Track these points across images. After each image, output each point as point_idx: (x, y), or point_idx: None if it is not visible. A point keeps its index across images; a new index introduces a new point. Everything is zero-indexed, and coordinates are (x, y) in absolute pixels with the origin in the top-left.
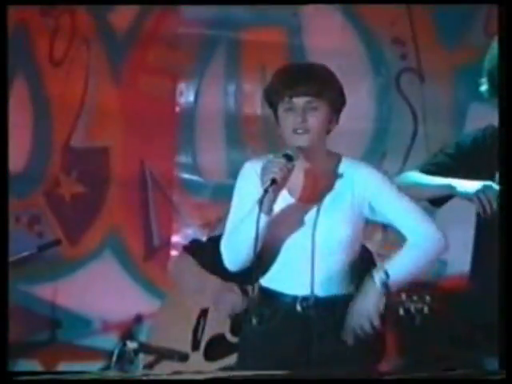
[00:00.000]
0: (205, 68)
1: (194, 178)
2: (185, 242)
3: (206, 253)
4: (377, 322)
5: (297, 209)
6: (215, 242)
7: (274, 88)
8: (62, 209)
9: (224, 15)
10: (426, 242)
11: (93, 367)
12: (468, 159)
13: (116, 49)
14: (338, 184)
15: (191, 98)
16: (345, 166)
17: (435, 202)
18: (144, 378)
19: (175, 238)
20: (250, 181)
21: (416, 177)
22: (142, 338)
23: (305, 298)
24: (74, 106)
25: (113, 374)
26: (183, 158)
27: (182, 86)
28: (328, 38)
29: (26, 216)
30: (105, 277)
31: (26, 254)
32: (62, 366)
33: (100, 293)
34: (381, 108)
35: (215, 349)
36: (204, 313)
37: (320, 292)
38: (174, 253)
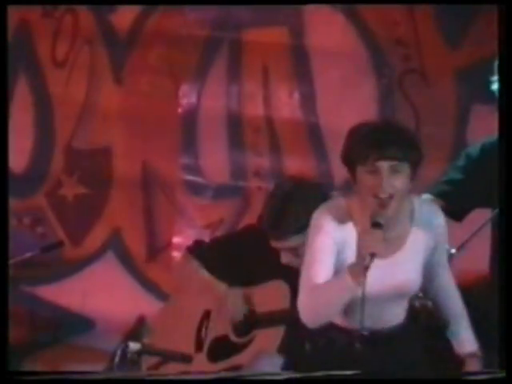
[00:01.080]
0: (207, 69)
1: (197, 179)
2: (187, 243)
3: (209, 254)
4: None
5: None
6: (218, 243)
7: (356, 149)
8: (64, 210)
9: (226, 16)
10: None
11: (95, 368)
12: (478, 169)
13: (118, 49)
14: (416, 231)
15: (193, 99)
16: (420, 210)
17: (456, 216)
18: (146, 378)
19: (177, 240)
20: (326, 234)
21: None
22: (145, 339)
23: (362, 334)
24: (76, 107)
25: (115, 374)
26: (185, 159)
27: (184, 87)
28: (330, 39)
29: (28, 217)
30: (107, 278)
31: (28, 255)
32: (64, 367)
33: (102, 294)
34: (384, 109)
35: (219, 350)
36: (207, 314)
37: (379, 326)
38: (176, 254)
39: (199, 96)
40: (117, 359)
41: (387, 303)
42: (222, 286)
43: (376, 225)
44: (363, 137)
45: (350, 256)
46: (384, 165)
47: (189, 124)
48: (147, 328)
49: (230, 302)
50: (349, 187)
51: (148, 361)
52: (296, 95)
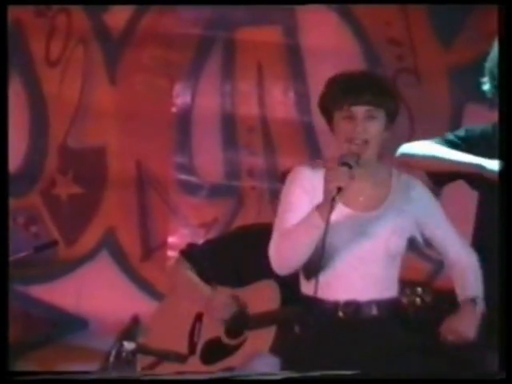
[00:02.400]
0: (201, 68)
1: (191, 178)
2: (181, 242)
3: (201, 256)
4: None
5: (349, 217)
6: (211, 245)
7: (333, 95)
8: (58, 209)
9: (219, 15)
10: (475, 262)
11: (89, 368)
12: (474, 146)
13: (112, 49)
14: (393, 196)
15: (187, 98)
16: (398, 179)
17: (440, 181)
18: (142, 377)
19: (172, 239)
20: (301, 186)
21: (436, 148)
22: (140, 338)
23: (347, 304)
24: (70, 106)
25: (113, 374)
26: (180, 159)
27: (178, 86)
28: (324, 38)
29: (22, 216)
30: (101, 277)
31: (22, 254)
32: (58, 367)
33: (96, 293)
34: None
35: (212, 352)
36: (199, 316)
37: (362, 297)
38: (170, 253)
39: (193, 95)
40: (111, 359)
41: (374, 263)
42: (209, 290)
43: (344, 164)
44: (340, 83)
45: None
46: (359, 110)
47: (183, 123)
48: (142, 328)
49: (218, 303)
50: None
51: (143, 361)
52: (290, 94)
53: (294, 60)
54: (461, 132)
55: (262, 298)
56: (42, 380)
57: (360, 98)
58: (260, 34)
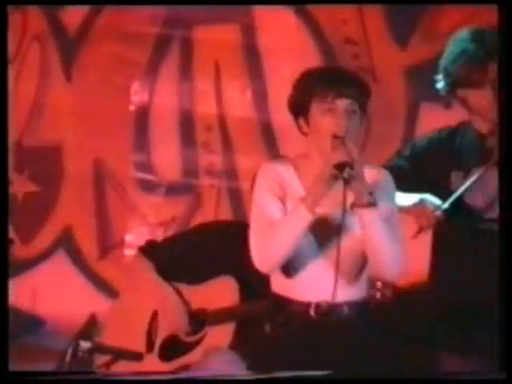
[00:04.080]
0: (158, 66)
1: (149, 176)
2: (139, 241)
3: (160, 254)
4: None
5: (323, 216)
6: (170, 242)
7: (312, 87)
8: (14, 208)
9: (177, 13)
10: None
11: (45, 368)
12: (422, 161)
13: (68, 46)
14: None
15: (145, 97)
16: (369, 175)
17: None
18: (143, 378)
19: (129, 237)
20: (273, 182)
21: None
22: (96, 337)
23: (319, 304)
24: (27, 104)
25: (116, 372)
26: (138, 157)
27: (135, 84)
28: (281, 38)
29: None
30: (58, 276)
31: None
32: (13, 367)
33: (53, 292)
34: None
35: (170, 349)
36: (155, 315)
37: (334, 298)
38: (128, 252)
39: (151, 93)
40: (68, 358)
41: (346, 264)
42: (169, 288)
43: (336, 136)
44: (322, 75)
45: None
46: (342, 103)
47: (140, 121)
48: (98, 326)
49: (176, 302)
50: None
51: (99, 359)
52: (248, 93)
53: (251, 59)
54: (406, 152)
55: (221, 294)
56: (41, 380)
57: (344, 91)
58: (218, 33)
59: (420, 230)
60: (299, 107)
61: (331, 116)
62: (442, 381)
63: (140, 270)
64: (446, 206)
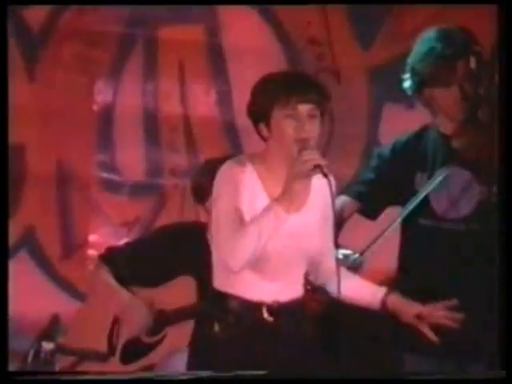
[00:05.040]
0: (122, 66)
1: (113, 176)
2: (103, 241)
3: (121, 260)
4: None
5: (279, 216)
6: (131, 247)
7: (274, 93)
8: None
9: (141, 13)
10: None
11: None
12: (389, 169)
13: (31, 46)
14: (314, 198)
15: (109, 97)
16: (317, 179)
17: (371, 215)
18: (147, 377)
19: (93, 238)
20: (236, 182)
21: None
22: (59, 338)
23: (271, 304)
24: None
25: (115, 371)
26: (101, 157)
27: (99, 84)
28: (245, 38)
29: None
30: (20, 276)
31: None
32: None
33: (15, 293)
34: None
35: (131, 351)
36: (116, 320)
37: (286, 297)
38: (91, 252)
39: (115, 93)
40: (29, 359)
41: (289, 265)
42: (126, 294)
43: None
44: (283, 81)
45: (259, 205)
46: (305, 107)
47: (104, 121)
48: (61, 327)
49: (136, 305)
50: None
51: (62, 361)
52: (212, 93)
53: (215, 59)
54: (373, 162)
55: (179, 293)
56: (41, 380)
57: (306, 96)
58: (182, 33)
59: None
60: (260, 113)
61: (293, 121)
62: (442, 381)
63: (99, 277)
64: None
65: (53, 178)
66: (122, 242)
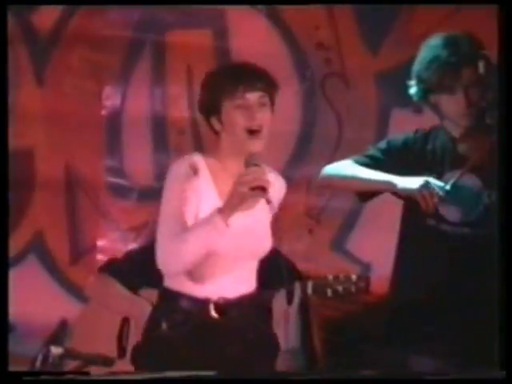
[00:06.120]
0: (131, 70)
1: (121, 181)
2: (111, 246)
3: (123, 268)
4: None
5: (219, 228)
6: (131, 255)
7: (222, 85)
8: None
9: (149, 17)
10: None
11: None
12: (397, 158)
13: (39, 50)
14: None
15: (117, 101)
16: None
17: (363, 197)
18: (148, 377)
19: (101, 243)
20: (184, 185)
21: (354, 168)
22: (67, 343)
23: (217, 302)
24: None
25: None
26: (110, 161)
27: (107, 88)
28: (253, 42)
29: None
30: (29, 281)
31: None
32: None
33: (24, 297)
34: (306, 111)
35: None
36: (126, 321)
37: (232, 294)
38: (99, 257)
39: (123, 98)
40: (38, 364)
41: (239, 263)
42: (132, 295)
43: (255, 165)
44: (229, 73)
45: (208, 205)
46: (253, 96)
47: (113, 126)
48: (69, 332)
49: (142, 307)
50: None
51: (70, 365)
52: None
53: (223, 63)
54: (382, 144)
55: None
56: (41, 380)
57: (253, 84)
58: (190, 37)
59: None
60: (211, 107)
61: (243, 110)
62: (442, 381)
63: (105, 289)
64: (447, 187)
65: (61, 182)
66: (127, 248)
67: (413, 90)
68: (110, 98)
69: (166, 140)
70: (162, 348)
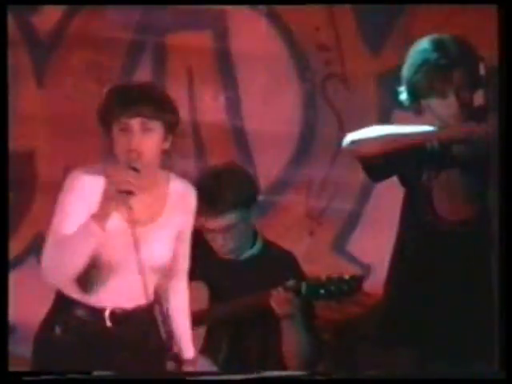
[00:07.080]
0: (131, 72)
1: None
2: None
3: None
4: None
5: (125, 230)
6: None
7: (110, 107)
8: None
9: (149, 19)
10: None
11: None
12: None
13: (40, 51)
14: (169, 209)
15: None
16: (175, 189)
17: (376, 176)
18: (147, 377)
19: None
20: (77, 193)
21: (383, 128)
22: None
23: (112, 311)
24: None
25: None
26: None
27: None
28: (253, 43)
29: None
30: (29, 283)
31: None
32: None
33: (24, 299)
34: (307, 113)
35: None
36: None
37: (129, 304)
38: None
39: None
40: None
41: (133, 276)
42: None
43: (132, 168)
44: (117, 96)
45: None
46: (135, 122)
47: None
48: None
49: None
50: (274, 190)
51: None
52: (221, 99)
53: (223, 65)
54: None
55: (192, 299)
56: (41, 380)
57: (135, 110)
58: (190, 39)
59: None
60: (104, 127)
61: (125, 134)
62: (442, 381)
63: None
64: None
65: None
66: None
67: (403, 96)
68: None
69: None
70: (55, 351)
